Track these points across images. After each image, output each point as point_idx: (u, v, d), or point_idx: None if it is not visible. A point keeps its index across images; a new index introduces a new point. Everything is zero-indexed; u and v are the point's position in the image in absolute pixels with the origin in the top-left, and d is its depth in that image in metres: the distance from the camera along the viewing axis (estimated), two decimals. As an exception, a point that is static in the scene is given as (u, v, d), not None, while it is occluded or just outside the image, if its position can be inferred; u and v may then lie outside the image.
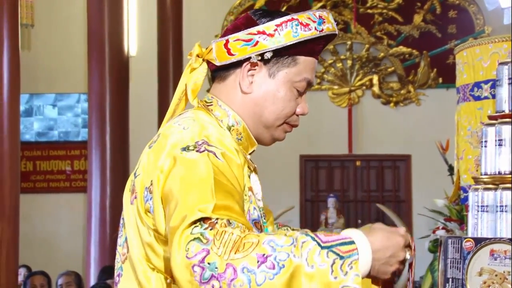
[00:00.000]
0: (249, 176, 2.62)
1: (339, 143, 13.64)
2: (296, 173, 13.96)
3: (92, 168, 11.03)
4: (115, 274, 2.63)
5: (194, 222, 2.20)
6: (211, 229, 2.19)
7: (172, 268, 2.22)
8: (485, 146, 4.21)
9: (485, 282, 4.05)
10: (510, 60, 4.23)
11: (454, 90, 5.51)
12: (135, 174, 2.53)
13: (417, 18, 13.54)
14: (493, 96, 4.44)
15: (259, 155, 2.77)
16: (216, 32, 11.01)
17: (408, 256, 2.38)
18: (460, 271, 4.09)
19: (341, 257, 2.17)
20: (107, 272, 8.65)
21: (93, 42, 10.97)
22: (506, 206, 4.07)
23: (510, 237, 4.03)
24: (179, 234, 2.20)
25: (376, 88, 13.64)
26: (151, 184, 2.42)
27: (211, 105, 2.62)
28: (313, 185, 14.01)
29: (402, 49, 13.60)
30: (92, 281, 9.81)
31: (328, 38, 2.63)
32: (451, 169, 5.51)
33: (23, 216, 8.22)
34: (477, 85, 5.06)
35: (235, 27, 2.62)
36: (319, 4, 13.50)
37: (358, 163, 14.01)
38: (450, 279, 4.18)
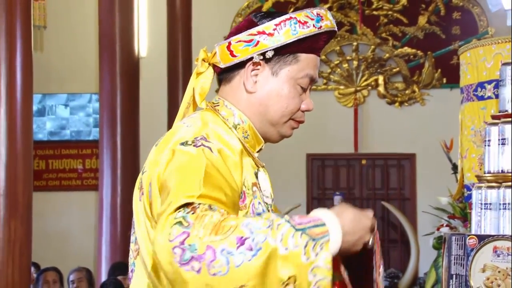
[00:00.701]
0: (255, 173, 2.66)
1: (345, 142, 13.65)
2: (303, 171, 13.97)
3: (103, 166, 11.06)
4: (129, 269, 2.65)
5: (178, 208, 2.23)
6: (192, 213, 2.22)
7: (154, 250, 2.25)
8: (488, 145, 4.20)
9: (488, 278, 4.04)
10: (513, 60, 4.23)
11: (458, 90, 5.50)
12: (142, 171, 2.56)
13: (422, 20, 13.54)
14: (496, 96, 4.43)
15: (266, 153, 2.77)
16: (225, 33, 11.00)
17: (371, 242, 2.42)
18: (463, 268, 4.08)
19: (313, 239, 2.20)
20: (117, 268, 8.66)
21: (104, 43, 10.99)
22: (508, 204, 4.07)
23: (513, 234, 4.02)
24: (164, 218, 2.23)
25: (381, 88, 13.64)
26: (152, 178, 2.46)
27: (218, 105, 2.64)
28: (320, 183, 14.02)
29: (407, 50, 13.60)
30: (103, 277, 9.82)
31: (329, 35, 2.64)
32: (455, 167, 5.51)
33: (35, 214, 8.22)
34: (481, 85, 5.05)
35: (238, 30, 2.65)
36: (326, 6, 13.47)
37: (363, 161, 14.01)
38: (454, 276, 4.17)
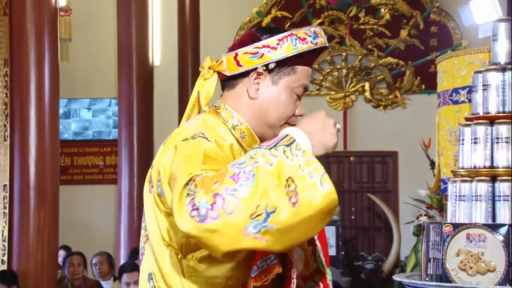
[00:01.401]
0: None
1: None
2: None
3: (122, 163, 11.07)
4: (140, 253, 2.67)
5: (184, 186, 2.24)
6: (195, 184, 2.23)
7: (179, 227, 2.24)
8: (462, 144, 4.20)
9: (461, 262, 4.04)
10: (484, 69, 4.22)
11: (435, 95, 5.50)
12: (151, 167, 2.57)
13: (403, 33, 13.52)
14: (469, 101, 4.43)
15: None
16: (229, 44, 10.89)
17: (338, 126, 2.46)
18: (440, 252, 4.08)
19: (287, 145, 2.27)
20: (135, 253, 8.64)
21: (122, 53, 10.99)
22: (480, 196, 4.07)
23: (483, 222, 4.02)
24: (177, 200, 2.23)
25: (367, 94, 13.63)
26: (160, 172, 2.47)
27: (219, 108, 2.64)
28: (314, 178, 14.03)
29: (390, 59, 13.58)
30: (122, 260, 9.82)
31: (321, 50, 2.67)
32: (432, 163, 5.51)
33: (62, 205, 8.21)
34: (455, 91, 5.05)
35: (241, 42, 2.66)
36: (318, 21, 13.50)
37: (352, 158, 14.00)
38: (432, 259, 4.17)
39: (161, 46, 12.36)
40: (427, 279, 4.20)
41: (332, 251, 11.50)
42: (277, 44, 2.56)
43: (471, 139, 4.15)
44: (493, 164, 4.10)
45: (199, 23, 13.56)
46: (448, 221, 4.18)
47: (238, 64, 2.59)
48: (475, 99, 4.21)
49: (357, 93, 13.73)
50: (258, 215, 2.19)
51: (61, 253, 9.74)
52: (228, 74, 2.62)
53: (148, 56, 11.26)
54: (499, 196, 4.06)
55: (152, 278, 2.54)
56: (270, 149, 2.28)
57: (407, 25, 13.53)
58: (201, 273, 2.46)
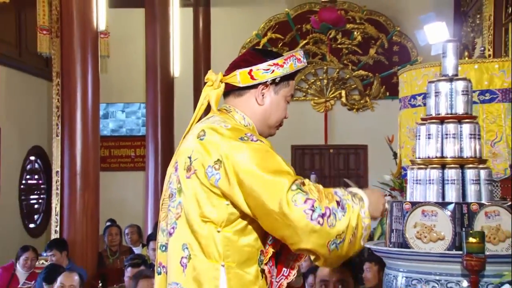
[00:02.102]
0: None
1: (318, 137, 13.58)
2: (288, 157, 13.84)
3: (149, 154, 11.08)
4: (169, 227, 2.59)
5: (292, 182, 2.42)
6: (303, 185, 2.45)
7: (287, 215, 2.38)
8: (419, 139, 4.22)
9: (418, 232, 4.06)
10: (435, 79, 4.25)
11: (397, 100, 5.50)
12: (190, 158, 2.52)
13: (372, 51, 13.49)
14: (424, 105, 4.44)
15: None
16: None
17: (387, 206, 2.89)
18: (401, 224, 4.10)
19: (359, 201, 2.57)
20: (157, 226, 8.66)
21: (149, 67, 11.00)
22: (432, 180, 4.08)
23: (435, 201, 4.04)
24: (285, 191, 2.40)
25: (343, 99, 13.60)
26: (217, 162, 2.45)
27: (230, 111, 2.67)
28: (301, 166, 13.93)
29: (361, 72, 13.56)
30: (149, 231, 9.82)
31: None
32: (395, 155, 5.51)
33: (102, 187, 8.24)
34: (413, 97, 5.07)
35: (245, 60, 2.71)
36: (304, 41, 13.49)
37: (331, 150, 13.96)
38: (394, 230, 4.19)
39: (180, 61, 12.36)
40: (390, 245, 4.22)
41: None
42: (283, 62, 2.66)
43: (426, 135, 4.17)
44: (443, 155, 4.12)
45: (210, 43, 13.63)
46: (407, 200, 4.20)
47: (252, 78, 2.64)
48: (428, 103, 4.23)
49: (335, 98, 13.71)
50: (339, 238, 2.45)
51: (109, 223, 9.83)
52: (241, 85, 2.65)
53: (170, 69, 11.26)
54: (448, 180, 4.08)
55: (187, 248, 2.50)
56: (352, 196, 2.59)
57: (375, 45, 13.51)
58: (234, 242, 2.47)
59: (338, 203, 2.45)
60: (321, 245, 2.40)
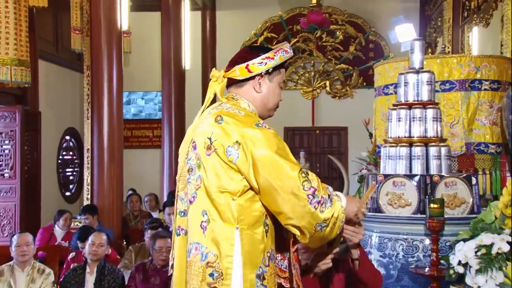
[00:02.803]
0: None
1: (307, 120, 13.53)
2: (282, 138, 13.94)
3: (164, 134, 11.06)
4: (189, 196, 2.60)
5: (300, 170, 2.47)
6: (307, 175, 2.48)
7: (297, 195, 2.44)
8: (390, 122, 4.23)
9: (389, 199, 4.07)
10: (405, 72, 4.25)
11: (373, 89, 5.51)
12: (210, 138, 2.51)
13: (351, 48, 13.44)
14: (395, 93, 4.45)
15: None
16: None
17: (365, 212, 2.78)
18: (375, 193, 4.11)
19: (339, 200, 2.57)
20: (172, 194, 8.66)
21: (164, 61, 10.96)
22: (402, 156, 4.10)
23: (403, 173, 4.05)
24: (297, 176, 2.45)
25: (328, 88, 13.55)
26: (236, 143, 2.46)
27: (237, 100, 2.67)
28: (292, 145, 13.87)
29: (343, 66, 13.50)
30: (164, 198, 9.83)
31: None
32: (371, 135, 5.53)
33: (125, 162, 8.24)
34: (386, 86, 5.07)
35: (242, 57, 2.69)
36: (295, 39, 13.42)
37: (317, 131, 13.92)
38: (370, 198, 4.21)
39: (190, 56, 12.33)
40: (366, 210, 4.24)
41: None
42: (274, 55, 2.65)
43: (396, 118, 4.18)
44: (410, 135, 4.13)
45: (215, 40, 13.58)
46: (381, 172, 4.21)
47: (249, 71, 2.64)
48: (399, 92, 4.23)
49: (321, 88, 13.66)
50: (324, 223, 2.49)
51: (129, 192, 9.85)
52: (240, 78, 2.66)
53: (181, 63, 11.22)
54: (414, 156, 4.09)
55: (206, 213, 2.51)
56: (336, 195, 2.58)
57: (354, 43, 13.45)
58: (246, 208, 2.48)
59: (329, 196, 2.47)
60: (311, 225, 2.43)
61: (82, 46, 9.00)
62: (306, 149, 13.29)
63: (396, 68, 4.92)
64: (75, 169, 12.71)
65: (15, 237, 5.63)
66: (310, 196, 2.42)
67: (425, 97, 4.15)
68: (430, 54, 4.99)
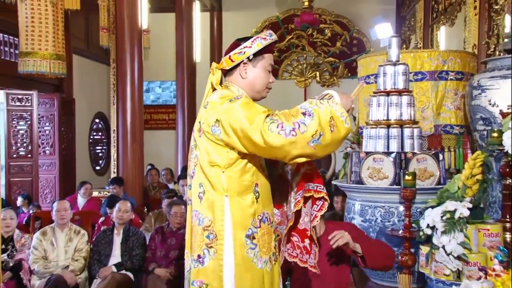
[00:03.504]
0: None
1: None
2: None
3: (178, 118, 11.10)
4: (190, 172, 2.63)
5: (265, 118, 2.34)
6: (274, 116, 2.36)
7: (268, 142, 2.33)
8: (371, 107, 4.22)
9: (370, 173, 4.08)
10: (384, 64, 4.23)
11: (356, 79, 5.49)
12: (200, 122, 2.53)
13: (338, 44, 13.37)
14: (375, 82, 4.43)
15: None
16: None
17: (353, 105, 2.55)
18: (358, 168, 4.12)
19: (329, 99, 2.44)
20: (185, 169, 8.68)
21: (178, 55, 10.95)
22: (381, 136, 4.10)
23: (382, 151, 4.05)
24: (262, 125, 2.34)
25: (318, 78, 13.50)
26: (217, 122, 2.43)
27: (229, 86, 2.61)
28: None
29: (331, 59, 13.43)
30: (178, 172, 9.86)
31: (275, 43, 2.65)
32: (354, 118, 5.50)
33: (145, 141, 8.24)
34: (368, 76, 5.05)
35: (230, 49, 2.63)
36: (289, 36, 13.39)
37: (308, 115, 13.99)
38: (353, 172, 4.21)
39: (200, 51, 12.30)
40: (351, 182, 4.24)
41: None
42: (251, 44, 2.56)
43: (376, 104, 4.17)
44: (388, 118, 4.12)
45: (222, 37, 13.52)
46: (363, 150, 4.21)
47: (232, 61, 2.59)
48: (379, 81, 4.22)
49: (312, 78, 13.61)
50: (316, 135, 2.32)
51: (148, 167, 9.86)
52: (227, 68, 2.61)
53: (193, 57, 11.21)
54: (391, 136, 4.08)
55: (202, 185, 2.52)
56: (320, 100, 2.42)
57: (340, 39, 13.38)
58: (235, 179, 2.46)
59: (304, 114, 2.35)
60: (303, 147, 2.33)
61: (109, 42, 9.00)
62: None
63: (376, 61, 4.89)
64: (104, 147, 12.74)
65: (55, 203, 5.68)
66: (281, 132, 2.30)
67: (400, 85, 4.14)
68: (405, 49, 4.97)
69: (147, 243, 5.53)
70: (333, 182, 4.91)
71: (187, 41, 11.09)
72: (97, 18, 9.55)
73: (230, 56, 2.58)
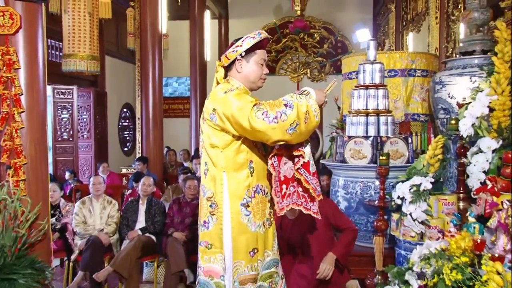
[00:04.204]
0: None
1: (293, 97, 13.55)
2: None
3: (191, 108, 11.06)
4: (200, 152, 2.64)
5: (253, 107, 2.31)
6: (260, 105, 2.33)
7: (254, 126, 2.30)
8: (353, 98, 4.23)
9: (352, 153, 4.09)
10: (363, 63, 4.23)
11: (341, 75, 5.48)
12: (203, 111, 2.53)
13: (325, 46, 13.30)
14: (357, 78, 4.44)
15: None
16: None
17: (326, 100, 2.51)
18: (342, 149, 4.13)
19: (306, 95, 2.39)
20: (198, 150, 8.68)
21: (192, 55, 10.90)
22: (360, 123, 4.11)
23: (362, 135, 4.07)
24: (249, 112, 2.31)
25: (308, 75, 13.44)
26: (214, 110, 2.42)
27: (229, 80, 2.57)
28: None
29: (319, 58, 13.35)
30: (193, 152, 9.86)
31: (267, 40, 2.57)
32: (339, 108, 5.50)
33: (164, 127, 8.21)
34: (350, 73, 5.05)
35: (227, 49, 2.58)
36: (285, 40, 13.34)
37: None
38: (338, 152, 4.23)
39: (210, 52, 12.25)
40: (336, 161, 4.26)
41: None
42: (242, 43, 2.51)
43: (357, 96, 4.17)
44: (367, 108, 4.13)
45: (228, 40, 13.41)
46: (346, 134, 4.23)
47: (228, 58, 2.54)
48: (359, 77, 4.22)
49: (303, 74, 13.55)
50: (293, 125, 2.30)
51: (166, 150, 9.87)
52: (225, 65, 2.57)
53: (204, 56, 11.18)
54: (369, 123, 4.09)
55: (206, 163, 2.53)
56: (299, 95, 2.38)
57: (327, 42, 13.32)
58: (231, 157, 2.45)
59: (285, 105, 2.32)
60: (283, 134, 2.30)
61: (135, 45, 8.97)
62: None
63: (357, 60, 4.89)
64: (130, 132, 12.74)
65: (91, 178, 5.72)
66: (265, 119, 2.28)
67: (377, 81, 4.14)
68: (380, 51, 4.96)
69: (166, 211, 5.56)
70: (321, 161, 4.93)
71: (199, 44, 11.03)
72: (125, 25, 9.54)
73: (226, 54, 2.55)
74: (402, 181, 3.42)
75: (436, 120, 4.26)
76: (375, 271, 3.51)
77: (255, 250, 2.46)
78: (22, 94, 4.21)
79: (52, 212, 5.23)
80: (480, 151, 2.97)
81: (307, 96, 2.38)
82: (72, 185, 7.27)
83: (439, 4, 6.22)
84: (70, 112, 9.46)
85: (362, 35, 11.15)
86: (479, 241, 2.31)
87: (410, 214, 3.28)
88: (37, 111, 4.35)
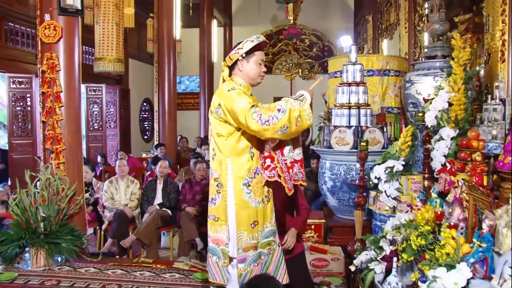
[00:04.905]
0: None
1: (287, 93, 13.44)
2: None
3: (201, 101, 11.07)
4: (209, 140, 2.60)
5: (250, 108, 2.28)
6: (257, 107, 2.29)
7: (248, 125, 2.27)
8: (337, 93, 4.21)
9: (337, 140, 4.08)
10: (346, 64, 4.21)
11: (327, 74, 5.45)
12: (211, 105, 2.47)
13: (315, 49, 13.25)
14: (341, 76, 4.42)
15: (257, 97, 2.74)
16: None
17: (313, 96, 2.45)
18: (328, 137, 4.13)
19: (301, 100, 2.34)
20: (207, 138, 8.72)
21: (201, 57, 10.90)
22: (344, 114, 4.10)
23: (345, 125, 4.05)
24: (246, 112, 2.27)
25: (300, 74, 13.40)
26: (219, 105, 2.39)
27: (233, 78, 2.51)
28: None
29: (309, 60, 13.31)
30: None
31: (265, 43, 2.52)
32: (325, 102, 5.48)
33: (178, 118, 8.23)
34: (335, 72, 5.03)
35: (230, 51, 2.52)
36: (280, 44, 13.28)
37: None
38: (325, 139, 4.22)
39: (216, 55, 12.20)
40: (323, 147, 4.26)
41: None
42: (242, 46, 2.45)
43: (341, 92, 4.16)
44: (349, 102, 4.12)
45: (232, 44, 13.29)
46: (332, 124, 4.22)
47: (231, 59, 2.48)
48: (343, 76, 4.20)
49: (296, 73, 13.52)
50: (283, 127, 2.26)
51: (179, 138, 9.87)
52: (229, 65, 2.51)
53: (211, 58, 11.16)
54: (351, 114, 4.08)
55: (214, 149, 2.50)
56: (295, 100, 2.33)
57: (316, 46, 13.26)
58: (234, 145, 2.42)
59: (279, 110, 2.27)
60: (273, 134, 2.27)
61: (153, 49, 8.89)
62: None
63: (341, 62, 4.86)
64: (149, 123, 12.73)
65: (117, 162, 5.75)
66: (259, 121, 2.25)
67: (358, 79, 4.12)
68: (360, 54, 4.93)
69: (180, 189, 5.58)
70: (311, 147, 4.92)
71: (207, 48, 11.00)
72: (145, 33, 9.44)
73: (229, 56, 2.50)
74: (379, 164, 3.43)
75: (406, 113, 4.25)
76: (355, 239, 3.53)
77: (256, 223, 2.45)
78: (61, 92, 4.27)
79: (86, 189, 5.26)
80: (441, 138, 3.00)
81: (302, 102, 2.34)
82: (101, 167, 7.29)
83: (408, 17, 6.38)
84: (100, 106, 9.62)
85: (345, 41, 11.10)
86: (439, 213, 2.34)
87: (385, 191, 3.30)
88: (73, 105, 4.38)
